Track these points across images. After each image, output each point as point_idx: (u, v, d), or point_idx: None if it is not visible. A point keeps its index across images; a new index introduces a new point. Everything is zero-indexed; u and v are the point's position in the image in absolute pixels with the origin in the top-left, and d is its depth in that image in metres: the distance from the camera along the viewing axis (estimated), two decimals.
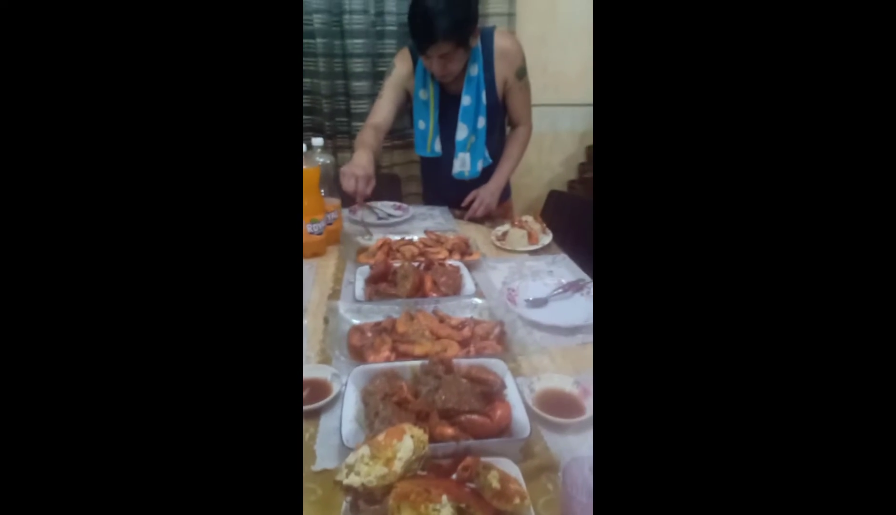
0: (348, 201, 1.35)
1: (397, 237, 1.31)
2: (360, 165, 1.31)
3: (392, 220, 1.51)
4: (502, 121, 1.57)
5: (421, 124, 1.52)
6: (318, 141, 1.27)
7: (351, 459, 0.52)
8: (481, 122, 1.47)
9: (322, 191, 1.25)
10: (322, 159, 1.28)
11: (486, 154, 1.52)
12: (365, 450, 0.52)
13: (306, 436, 0.68)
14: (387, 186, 1.87)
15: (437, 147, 1.53)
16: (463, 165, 1.53)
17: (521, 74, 1.47)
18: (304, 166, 1.18)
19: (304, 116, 2.11)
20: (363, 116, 1.52)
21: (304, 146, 1.27)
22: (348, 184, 1.29)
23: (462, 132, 1.48)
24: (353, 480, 0.50)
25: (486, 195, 1.51)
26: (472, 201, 1.51)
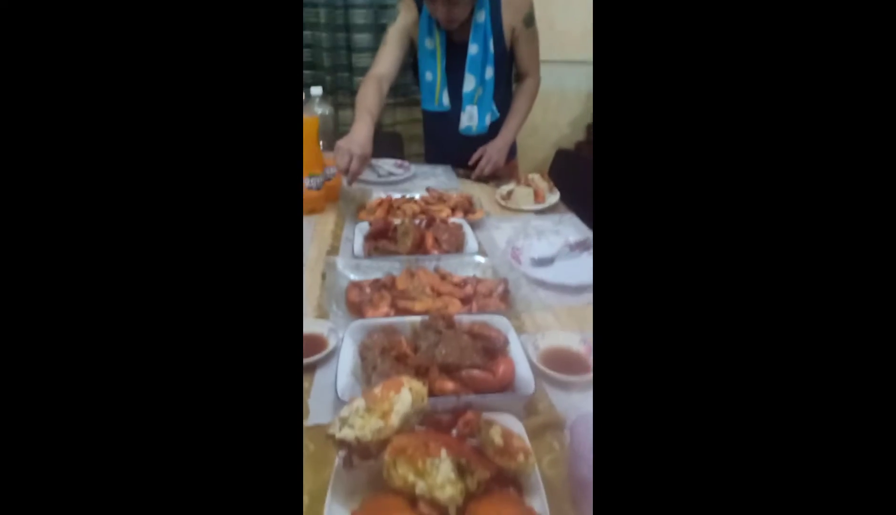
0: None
1: (398, 195, 1.26)
2: (357, 142, 1.20)
3: (393, 178, 1.46)
4: (510, 72, 1.50)
5: (428, 76, 1.45)
6: (316, 90, 1.22)
7: (345, 412, 0.49)
8: (489, 72, 1.39)
9: (321, 144, 1.20)
10: (321, 110, 1.23)
11: (494, 107, 1.45)
12: (360, 403, 0.49)
13: None
14: (388, 145, 1.81)
15: (445, 100, 1.46)
16: (471, 119, 1.46)
17: (529, 21, 1.39)
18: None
19: (305, 71, 2.03)
20: (365, 71, 1.44)
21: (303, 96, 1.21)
22: (342, 160, 1.18)
23: (469, 84, 1.41)
24: (347, 434, 0.47)
25: (493, 152, 1.45)
26: (478, 160, 1.46)
